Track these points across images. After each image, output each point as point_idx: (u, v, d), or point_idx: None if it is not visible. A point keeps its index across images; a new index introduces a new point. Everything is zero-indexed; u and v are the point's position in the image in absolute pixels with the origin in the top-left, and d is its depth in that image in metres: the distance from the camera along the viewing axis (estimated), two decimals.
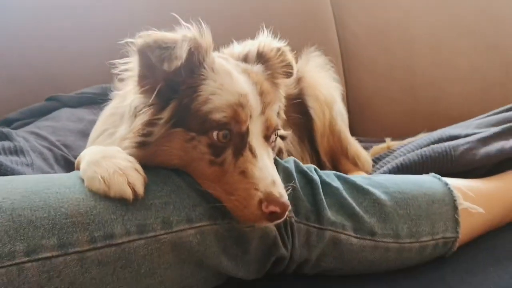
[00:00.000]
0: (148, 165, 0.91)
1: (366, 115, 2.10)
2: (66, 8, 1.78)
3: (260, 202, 0.86)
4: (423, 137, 1.46)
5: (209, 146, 0.90)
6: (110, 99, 1.16)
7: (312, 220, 0.98)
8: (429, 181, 1.14)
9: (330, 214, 0.99)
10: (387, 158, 1.43)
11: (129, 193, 0.83)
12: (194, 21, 0.93)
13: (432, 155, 1.28)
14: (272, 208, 0.85)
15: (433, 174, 1.19)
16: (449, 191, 1.13)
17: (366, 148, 1.62)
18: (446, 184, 1.14)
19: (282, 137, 1.14)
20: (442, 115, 2.07)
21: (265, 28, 1.05)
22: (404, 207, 1.06)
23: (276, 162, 0.99)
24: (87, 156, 0.90)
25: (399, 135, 1.83)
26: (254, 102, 0.93)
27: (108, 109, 1.14)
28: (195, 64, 0.91)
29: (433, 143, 1.37)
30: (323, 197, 1.00)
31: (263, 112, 0.94)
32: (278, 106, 1.03)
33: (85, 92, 1.59)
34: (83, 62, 1.75)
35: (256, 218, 0.87)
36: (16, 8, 1.75)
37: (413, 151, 1.35)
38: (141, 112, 0.92)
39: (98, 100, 1.53)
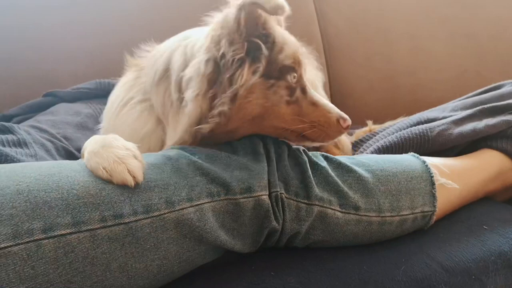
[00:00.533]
0: (233, 122, 1.04)
1: (348, 104, 2.14)
2: (59, 6, 1.83)
3: (337, 120, 1.08)
4: (402, 120, 1.53)
5: (286, 88, 1.05)
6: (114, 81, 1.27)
7: (302, 196, 1.05)
8: (408, 160, 1.21)
9: (317, 191, 1.06)
10: (369, 141, 1.48)
11: (130, 180, 0.90)
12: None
13: (411, 136, 1.35)
14: (348, 122, 1.08)
15: (412, 153, 1.26)
16: (427, 168, 1.20)
17: (350, 134, 1.69)
18: (424, 162, 1.21)
19: None
20: (421, 102, 2.05)
21: None
22: (385, 183, 1.13)
23: (267, 146, 1.10)
24: (88, 147, 0.97)
25: (380, 122, 1.86)
26: (303, 50, 1.11)
27: (125, 82, 1.21)
28: (264, 19, 1.03)
29: (412, 125, 1.41)
30: (311, 175, 1.08)
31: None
32: None
33: (80, 88, 1.65)
34: (77, 59, 1.80)
35: (337, 133, 1.10)
36: (8, 6, 1.80)
37: (393, 133, 1.41)
38: (232, 65, 1.01)
39: (93, 95, 1.64)
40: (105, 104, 1.59)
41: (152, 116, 1.15)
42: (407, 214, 1.16)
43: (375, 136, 1.52)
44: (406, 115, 1.80)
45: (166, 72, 1.10)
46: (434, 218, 1.20)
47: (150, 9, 1.93)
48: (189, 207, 0.95)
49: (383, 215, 1.13)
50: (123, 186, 0.91)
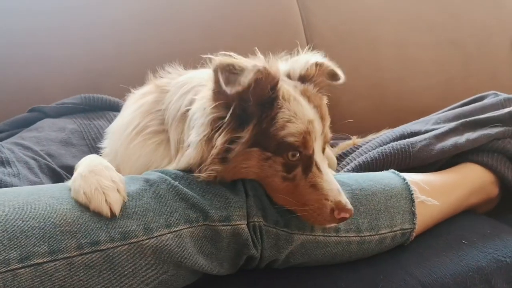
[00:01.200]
0: (227, 180, 1.02)
1: (334, 113, 2.08)
2: (44, 16, 1.81)
3: (332, 210, 0.99)
4: (385, 133, 1.52)
5: (283, 164, 1.00)
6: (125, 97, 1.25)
7: (281, 225, 1.05)
8: (388, 177, 1.22)
9: (298, 220, 1.06)
10: (352, 155, 1.48)
11: (106, 211, 0.91)
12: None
13: (392, 152, 1.34)
14: (343, 215, 0.99)
15: (392, 170, 1.27)
16: (406, 186, 1.20)
17: (332, 146, 1.68)
18: (404, 179, 1.22)
19: None
20: (408, 109, 2.14)
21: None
22: (364, 203, 1.14)
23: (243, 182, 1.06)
24: (80, 167, 0.97)
25: (368, 130, 1.85)
26: (317, 127, 1.03)
27: (143, 104, 1.16)
28: (264, 91, 0.98)
29: (395, 139, 1.42)
30: None
31: (322, 132, 1.05)
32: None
33: (65, 102, 1.63)
34: (66, 70, 1.79)
35: (328, 222, 1.01)
36: None
37: (376, 148, 1.40)
38: (217, 126, 0.98)
39: (79, 109, 1.62)
40: (90, 119, 1.61)
41: (168, 151, 1.10)
42: (386, 233, 1.16)
43: (357, 149, 1.52)
44: (394, 123, 1.78)
45: (189, 109, 1.07)
46: (414, 235, 1.21)
47: (139, 20, 1.89)
48: (167, 233, 0.96)
49: (362, 234, 1.13)
50: (100, 215, 0.92)
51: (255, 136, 0.99)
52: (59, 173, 1.38)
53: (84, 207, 0.91)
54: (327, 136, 1.08)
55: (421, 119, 1.56)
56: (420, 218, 1.19)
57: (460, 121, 1.42)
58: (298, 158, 1.01)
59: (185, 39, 1.86)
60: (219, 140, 0.98)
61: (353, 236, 1.12)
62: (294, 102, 1.03)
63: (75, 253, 0.87)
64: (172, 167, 1.07)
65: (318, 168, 1.03)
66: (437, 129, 1.42)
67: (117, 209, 0.91)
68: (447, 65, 2.26)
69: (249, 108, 0.99)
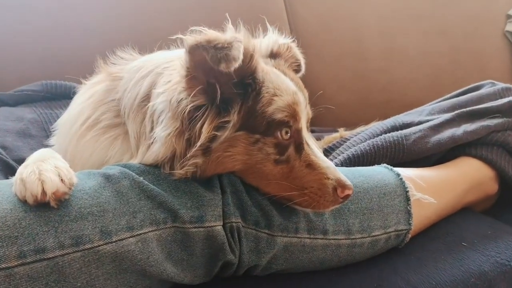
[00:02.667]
0: (208, 174, 0.92)
1: (318, 104, 2.02)
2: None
3: (334, 189, 0.92)
4: (375, 125, 1.44)
5: (275, 145, 0.92)
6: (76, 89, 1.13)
7: (262, 226, 0.95)
8: (381, 173, 1.13)
9: (280, 219, 0.96)
10: (340, 148, 1.38)
11: (37, 189, 0.77)
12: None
13: (384, 144, 1.26)
14: (347, 192, 0.92)
15: (385, 165, 1.18)
16: (401, 182, 1.12)
17: (318, 138, 1.59)
18: (398, 175, 1.13)
19: None
20: (394, 102, 2.09)
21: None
22: (355, 201, 1.04)
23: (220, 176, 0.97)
24: (27, 160, 0.86)
25: (352, 124, 1.78)
26: (301, 98, 0.97)
27: (92, 95, 1.05)
28: (244, 65, 0.89)
29: (386, 131, 1.35)
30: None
31: (305, 106, 0.99)
32: None
33: (25, 90, 1.49)
34: (25, 60, 1.67)
35: (332, 204, 0.94)
36: None
37: (366, 140, 1.32)
38: (193, 116, 0.89)
39: (39, 97, 1.49)
40: (52, 108, 1.47)
41: (128, 145, 0.99)
42: (379, 235, 1.06)
43: (345, 142, 1.42)
44: (379, 117, 1.72)
45: (149, 97, 0.96)
46: (409, 236, 1.12)
47: (110, 2, 1.80)
48: (129, 237, 0.83)
49: (353, 237, 1.03)
50: (49, 214, 0.79)
51: (242, 117, 0.91)
52: (14, 167, 1.22)
53: (29, 208, 0.78)
54: (309, 112, 1.02)
55: (414, 110, 1.47)
56: (416, 217, 1.11)
57: (456, 112, 1.34)
58: (289, 135, 0.94)
59: (156, 26, 1.76)
60: (205, 129, 0.88)
61: (343, 239, 1.02)
62: (274, 75, 0.96)
63: (16, 263, 0.75)
64: (136, 162, 0.95)
65: (308, 145, 0.96)
66: (431, 120, 1.34)
67: (49, 188, 0.77)
68: (435, 56, 2.19)
69: (229, 88, 0.90)
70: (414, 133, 1.28)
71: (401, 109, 1.60)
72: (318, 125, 1.86)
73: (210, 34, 0.86)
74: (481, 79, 1.59)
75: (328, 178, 0.93)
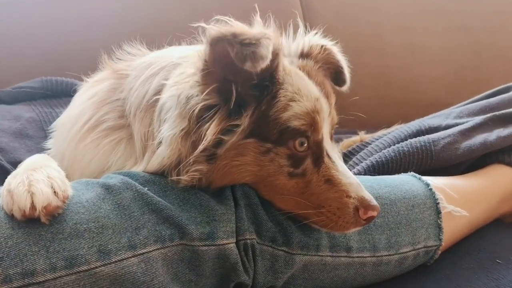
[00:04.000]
0: (216, 185, 0.85)
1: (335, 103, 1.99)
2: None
3: (356, 209, 0.84)
4: (399, 129, 1.35)
5: (288, 157, 0.84)
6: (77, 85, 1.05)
7: (280, 243, 0.87)
8: (408, 182, 1.05)
9: (301, 235, 0.88)
10: (361, 153, 1.30)
11: (24, 203, 0.69)
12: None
13: (411, 151, 1.17)
14: (371, 213, 0.84)
15: (412, 173, 1.10)
16: (431, 193, 1.04)
17: (336, 141, 1.47)
18: (427, 185, 1.05)
19: None
20: (414, 101, 2.02)
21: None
22: (381, 214, 0.96)
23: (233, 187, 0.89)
24: (19, 168, 0.78)
25: (370, 124, 1.68)
26: (325, 106, 0.89)
27: (96, 93, 0.97)
28: (269, 65, 0.80)
29: (411, 136, 1.26)
30: None
31: (330, 113, 0.91)
32: None
33: (23, 87, 1.41)
34: (25, 55, 1.59)
35: (352, 226, 0.85)
36: None
37: (390, 146, 1.24)
38: (204, 116, 0.81)
39: (38, 95, 1.41)
40: (52, 106, 1.38)
41: (132, 150, 0.91)
42: (407, 251, 0.98)
43: (366, 147, 1.33)
44: (398, 117, 1.63)
45: (158, 95, 0.88)
46: (439, 252, 1.04)
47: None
48: (131, 257, 0.75)
49: (378, 254, 0.95)
50: (40, 232, 0.70)
51: (253, 123, 0.83)
52: (9, 171, 1.13)
53: (17, 224, 0.70)
54: (334, 119, 0.94)
55: (440, 112, 1.38)
56: (446, 232, 1.04)
57: (488, 115, 1.25)
58: (306, 146, 0.85)
59: (166, 19, 1.69)
60: (210, 131, 0.80)
61: (368, 256, 0.94)
62: (296, 77, 0.87)
63: None
64: (140, 169, 0.87)
65: (329, 157, 0.88)
66: (460, 124, 1.25)
67: (39, 201, 0.69)
68: (457, 53, 2.10)
69: (246, 89, 0.82)
70: (443, 138, 1.20)
71: (421, 109, 1.55)
72: (336, 125, 1.78)
73: (237, 26, 0.78)
74: (506, 78, 1.55)
75: (350, 197, 0.84)
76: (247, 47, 0.74)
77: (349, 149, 1.40)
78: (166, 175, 0.84)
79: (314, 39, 1.00)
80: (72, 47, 1.60)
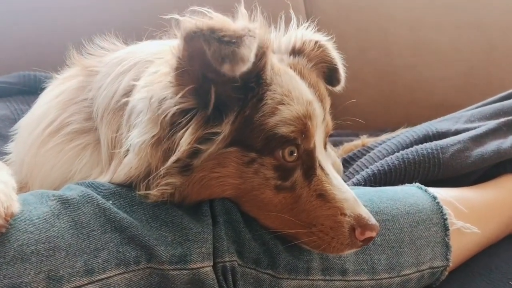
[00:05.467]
0: (192, 200, 0.77)
1: (336, 104, 1.93)
2: None
3: (352, 228, 0.76)
4: (404, 133, 1.28)
5: (275, 168, 0.77)
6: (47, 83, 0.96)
7: (264, 265, 0.78)
8: (413, 195, 0.97)
9: (289, 256, 0.79)
10: (362, 160, 1.23)
11: None
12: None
13: (417, 159, 1.09)
14: (368, 234, 0.77)
15: (417, 184, 1.03)
16: (438, 208, 0.97)
17: (335, 145, 1.44)
18: (434, 198, 0.98)
19: None
20: (422, 102, 1.97)
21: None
22: (382, 232, 0.88)
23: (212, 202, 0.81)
24: None
25: (374, 126, 1.70)
26: (318, 110, 0.82)
27: (62, 92, 0.89)
28: (255, 64, 0.73)
29: (417, 142, 1.19)
30: None
31: (324, 118, 0.84)
32: None
33: None
34: (4, 47, 1.55)
35: (348, 247, 0.78)
36: None
37: (393, 152, 1.16)
38: (181, 121, 0.73)
39: (15, 91, 1.36)
40: (29, 103, 1.32)
41: (98, 157, 0.83)
42: (410, 273, 0.91)
43: (368, 152, 1.25)
44: (405, 119, 1.60)
45: (129, 95, 0.80)
46: (446, 273, 0.96)
47: None
48: (87, 283, 0.67)
49: (378, 277, 0.88)
50: None
51: (236, 129, 0.75)
52: None
53: None
54: (329, 125, 0.88)
55: (449, 115, 1.31)
56: (454, 250, 0.97)
57: (502, 120, 1.19)
58: (296, 156, 0.78)
59: (152, 8, 1.61)
60: (185, 139, 0.72)
61: (366, 280, 0.87)
62: (286, 77, 0.80)
63: None
64: (106, 179, 0.78)
65: (322, 169, 0.81)
66: (472, 129, 1.19)
67: None
68: (468, 51, 2.03)
69: (228, 90, 0.74)
70: (452, 145, 1.12)
71: (429, 110, 1.56)
72: (336, 127, 1.72)
73: (217, 19, 0.71)
74: None
75: (345, 214, 0.77)
76: (226, 45, 0.66)
77: (350, 154, 1.34)
78: (134, 187, 0.76)
79: (307, 34, 0.92)
80: (51, 39, 1.56)
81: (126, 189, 0.75)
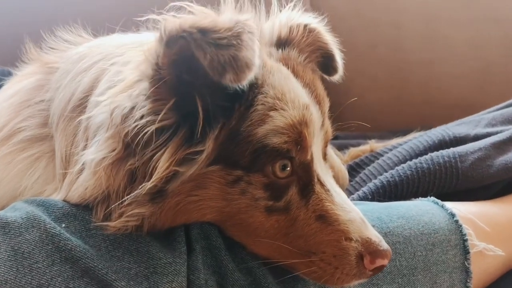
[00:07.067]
0: (164, 227, 0.68)
1: (343, 102, 1.87)
2: None
3: (359, 255, 0.68)
4: (417, 138, 1.20)
5: (265, 187, 0.69)
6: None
7: None
8: (428, 212, 0.89)
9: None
10: (370, 167, 1.15)
11: None
12: None
13: (432, 168, 1.01)
14: (379, 262, 0.68)
15: (433, 198, 0.94)
16: (457, 227, 0.89)
17: (341, 149, 1.37)
18: (452, 215, 0.89)
19: None
20: (436, 102, 1.92)
21: None
22: (392, 257, 0.76)
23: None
24: None
25: (382, 127, 1.68)
26: (316, 115, 0.73)
27: (17, 92, 0.82)
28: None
29: (432, 148, 1.11)
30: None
31: (322, 124, 0.76)
32: None
33: None
34: None
35: (355, 278, 0.70)
36: None
37: (405, 160, 1.08)
38: (157, 141, 0.64)
39: None
40: None
41: (54, 171, 0.75)
42: None
43: (377, 159, 1.18)
44: (418, 120, 1.62)
45: (87, 99, 0.73)
46: None
47: None
48: None
49: None
50: None
51: (220, 145, 0.66)
52: None
53: None
54: (328, 132, 0.79)
55: (468, 118, 1.24)
56: (475, 275, 0.89)
57: None
58: (290, 171, 0.69)
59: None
60: (163, 164, 0.63)
61: None
62: (279, 76, 0.70)
63: None
64: (59, 197, 0.69)
65: (322, 185, 0.72)
66: (493, 133, 1.11)
67: None
68: (485, 48, 1.97)
69: (215, 100, 0.66)
70: (472, 153, 1.04)
71: (444, 111, 1.55)
72: (343, 129, 1.67)
73: (201, 15, 0.62)
74: None
75: (351, 239, 0.68)
76: (224, 49, 0.57)
77: (357, 160, 1.29)
78: (91, 211, 0.66)
79: (292, 17, 0.82)
80: (29, 29, 1.50)
81: (83, 210, 0.66)
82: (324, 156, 0.76)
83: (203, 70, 0.58)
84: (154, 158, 0.63)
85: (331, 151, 1.16)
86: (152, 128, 0.62)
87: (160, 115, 0.62)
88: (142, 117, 0.63)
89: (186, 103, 0.63)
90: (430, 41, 1.95)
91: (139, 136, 0.62)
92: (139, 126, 0.62)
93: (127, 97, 0.64)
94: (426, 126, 1.39)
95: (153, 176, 0.62)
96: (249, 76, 0.58)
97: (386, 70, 1.95)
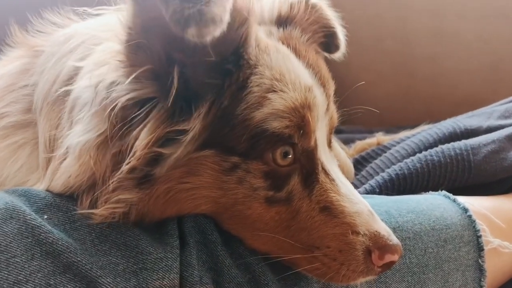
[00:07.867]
0: (154, 218, 0.65)
1: (349, 97, 1.86)
2: None
3: (367, 250, 0.65)
4: (426, 130, 1.17)
5: (265, 175, 0.65)
6: None
7: None
8: (439, 206, 0.86)
9: (280, 285, 0.67)
10: (377, 161, 1.11)
11: None
12: None
13: (443, 161, 0.98)
14: (389, 257, 0.65)
15: (444, 192, 0.91)
16: (470, 222, 0.85)
17: (346, 143, 1.33)
18: (465, 210, 0.86)
19: None
20: (444, 97, 1.90)
21: None
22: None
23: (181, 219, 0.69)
24: None
25: (390, 121, 1.67)
26: (320, 98, 0.70)
27: (1, 77, 0.79)
28: (232, 37, 0.62)
29: (442, 140, 1.09)
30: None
31: (327, 109, 0.73)
32: None
33: None
34: None
35: (362, 275, 0.67)
36: None
37: (414, 153, 1.05)
38: (136, 116, 0.60)
39: None
40: None
41: (37, 158, 0.72)
42: None
43: (384, 152, 1.14)
44: (425, 115, 1.54)
45: (73, 81, 0.70)
46: None
47: None
48: None
49: None
50: None
51: (210, 126, 0.62)
52: None
53: None
54: (333, 117, 0.76)
55: (479, 110, 1.22)
56: (489, 273, 0.86)
57: None
58: (292, 158, 0.66)
59: None
60: (140, 142, 0.59)
61: None
62: (277, 55, 0.66)
63: None
64: (42, 187, 0.65)
65: (326, 174, 0.68)
66: (507, 125, 1.08)
67: None
68: (495, 42, 1.93)
69: (199, 73, 0.62)
70: (484, 145, 1.01)
71: (451, 106, 1.48)
72: (349, 123, 1.65)
73: None
74: None
75: (357, 233, 0.64)
76: (190, 3, 0.52)
77: (363, 154, 1.25)
78: (76, 200, 0.62)
79: None
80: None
81: (67, 200, 0.62)
82: (329, 143, 0.72)
83: (173, 33, 0.54)
84: (132, 135, 0.59)
85: (335, 143, 1.12)
86: (125, 98, 0.58)
87: (133, 83, 0.58)
88: (119, 86, 0.59)
89: (166, 73, 0.59)
90: (438, 36, 1.94)
91: (117, 110, 0.58)
92: (116, 98, 0.58)
93: (108, 68, 0.60)
94: (434, 122, 1.35)
95: (131, 156, 0.58)
96: (214, 32, 0.54)
97: (392, 64, 1.94)
